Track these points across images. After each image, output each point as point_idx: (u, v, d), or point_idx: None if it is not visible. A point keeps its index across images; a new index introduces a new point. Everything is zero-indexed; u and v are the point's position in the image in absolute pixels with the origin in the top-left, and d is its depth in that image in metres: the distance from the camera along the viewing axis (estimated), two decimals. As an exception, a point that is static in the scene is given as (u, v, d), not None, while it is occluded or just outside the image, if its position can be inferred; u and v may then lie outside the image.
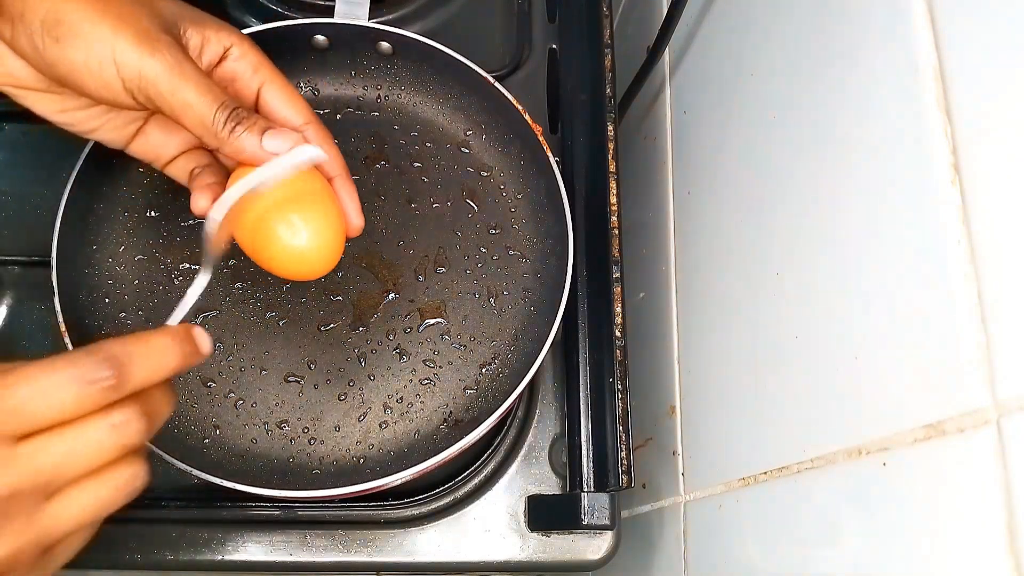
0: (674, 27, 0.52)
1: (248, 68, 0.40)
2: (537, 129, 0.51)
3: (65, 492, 0.29)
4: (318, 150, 0.38)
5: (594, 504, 0.46)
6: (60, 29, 0.35)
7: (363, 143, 0.54)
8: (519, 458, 0.52)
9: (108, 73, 0.35)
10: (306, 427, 0.48)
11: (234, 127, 0.37)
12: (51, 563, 0.30)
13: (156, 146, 0.42)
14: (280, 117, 0.40)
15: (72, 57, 0.35)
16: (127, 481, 0.30)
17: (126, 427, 0.29)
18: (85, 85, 0.36)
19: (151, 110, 0.38)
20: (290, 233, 0.38)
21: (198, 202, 0.40)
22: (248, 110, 0.38)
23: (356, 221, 0.42)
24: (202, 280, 0.37)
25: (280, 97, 0.41)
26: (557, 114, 0.58)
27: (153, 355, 0.30)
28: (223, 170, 0.42)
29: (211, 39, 0.39)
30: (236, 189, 0.36)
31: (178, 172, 0.43)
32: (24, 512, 0.28)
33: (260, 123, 0.38)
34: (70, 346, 0.45)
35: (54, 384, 0.28)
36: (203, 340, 0.33)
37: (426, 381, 0.49)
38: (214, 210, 0.36)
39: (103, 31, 0.35)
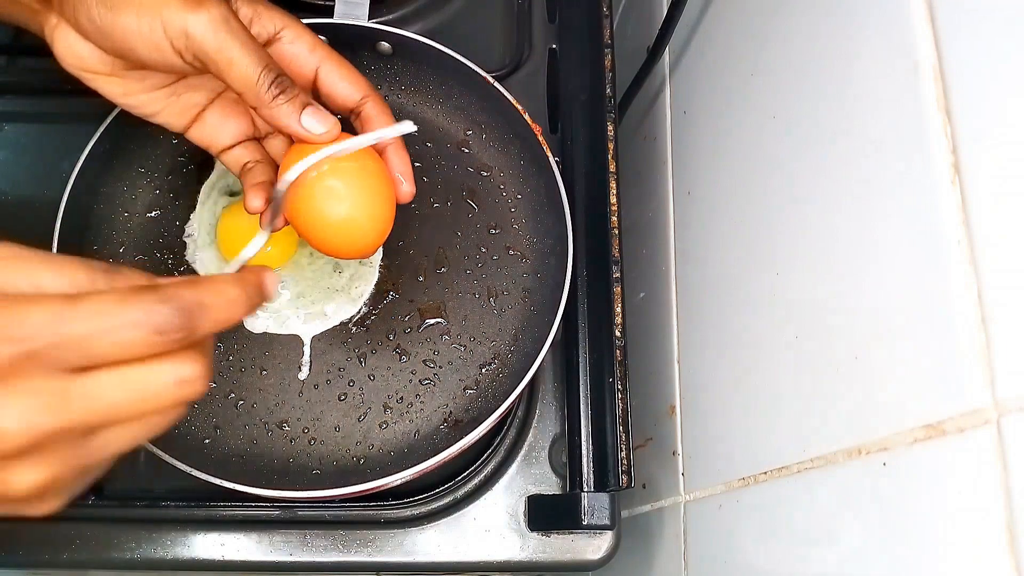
0: (674, 27, 0.52)
1: (304, 49, 0.42)
2: (537, 129, 0.51)
3: (111, 427, 0.27)
4: (408, 124, 0.39)
5: (594, 504, 0.46)
6: None
7: (363, 143, 0.54)
8: (519, 458, 0.52)
9: (157, 35, 0.37)
10: (306, 427, 0.48)
11: (277, 94, 0.38)
12: (81, 484, 0.29)
13: (212, 133, 0.44)
14: (339, 93, 0.42)
15: (124, 23, 0.37)
16: (173, 420, 0.29)
17: (192, 385, 0.27)
18: (137, 49, 0.38)
19: (206, 78, 0.41)
20: (340, 211, 0.40)
21: (251, 202, 0.42)
22: (292, 83, 0.39)
23: (407, 187, 0.43)
24: (259, 240, 0.38)
25: (337, 73, 0.42)
26: (557, 114, 0.58)
27: (224, 306, 0.28)
28: (274, 168, 0.44)
29: (262, 16, 0.41)
30: (309, 159, 0.38)
31: (232, 162, 0.44)
32: (69, 444, 0.26)
33: (301, 98, 0.39)
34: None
35: (123, 324, 0.26)
36: (271, 284, 0.31)
37: (426, 381, 0.49)
38: (289, 173, 0.38)
39: None
